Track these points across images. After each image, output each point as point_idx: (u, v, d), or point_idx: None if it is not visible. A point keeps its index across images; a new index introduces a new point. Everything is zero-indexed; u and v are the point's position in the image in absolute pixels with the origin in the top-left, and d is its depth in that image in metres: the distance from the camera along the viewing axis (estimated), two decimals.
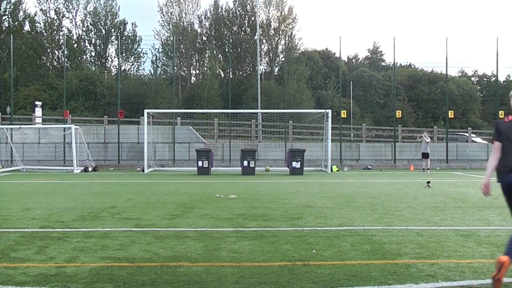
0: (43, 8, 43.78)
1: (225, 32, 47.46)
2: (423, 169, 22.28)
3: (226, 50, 43.59)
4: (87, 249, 5.86)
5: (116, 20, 45.27)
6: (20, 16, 43.12)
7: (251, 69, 47.60)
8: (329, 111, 22.43)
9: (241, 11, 48.91)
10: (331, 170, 21.71)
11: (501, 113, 26.52)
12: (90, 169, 21.93)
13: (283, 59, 43.02)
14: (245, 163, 19.70)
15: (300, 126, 27.47)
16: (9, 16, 42.58)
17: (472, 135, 30.52)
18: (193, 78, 47.99)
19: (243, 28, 48.86)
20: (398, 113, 26.29)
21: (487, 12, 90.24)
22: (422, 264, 5.16)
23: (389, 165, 25.31)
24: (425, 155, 22.31)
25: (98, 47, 45.57)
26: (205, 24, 49.43)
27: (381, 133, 31.96)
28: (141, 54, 45.25)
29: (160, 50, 45.26)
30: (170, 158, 24.57)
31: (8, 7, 42.29)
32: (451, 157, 25.91)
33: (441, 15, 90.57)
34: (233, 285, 4.41)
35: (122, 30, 44.71)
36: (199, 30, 48.75)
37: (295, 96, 40.69)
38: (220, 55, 46.53)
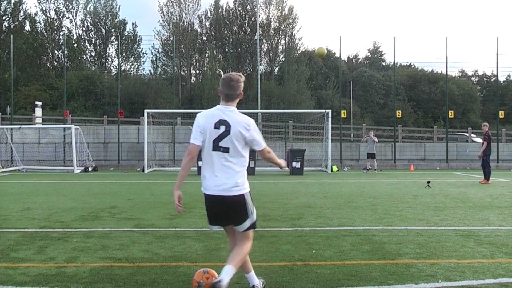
0: (43, 8, 43.83)
1: (225, 32, 47.44)
2: (369, 169, 21.64)
3: (226, 50, 43.58)
4: (87, 249, 5.86)
5: (116, 20, 45.25)
6: (21, 16, 43.14)
7: (251, 69, 47.56)
8: (329, 111, 22.42)
9: (241, 11, 48.89)
10: (331, 170, 21.70)
11: (501, 113, 26.53)
12: (90, 169, 21.92)
13: (283, 59, 43.02)
14: None
15: (300, 126, 27.47)
16: (9, 16, 42.58)
17: (472, 135, 30.53)
18: (193, 78, 48.02)
19: (243, 28, 48.82)
20: (398, 113, 26.29)
21: (487, 12, 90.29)
22: (422, 264, 5.16)
23: (389, 165, 25.31)
24: (372, 155, 21.64)
25: (98, 47, 45.56)
26: (205, 24, 49.47)
27: (381, 133, 31.96)
28: (141, 54, 45.29)
29: (160, 50, 45.29)
30: (170, 158, 24.57)
31: (8, 7, 42.30)
32: (451, 157, 25.91)
33: (441, 15, 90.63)
34: (233, 285, 4.41)
35: (122, 30, 44.70)
36: (199, 30, 48.76)
37: (295, 96, 40.67)
38: (220, 55, 46.50)
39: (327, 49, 57.79)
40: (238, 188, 3.93)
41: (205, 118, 4.02)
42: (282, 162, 4.44)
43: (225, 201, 3.92)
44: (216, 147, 3.92)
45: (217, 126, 3.93)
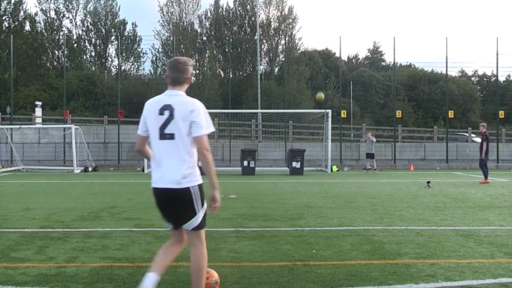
0: (43, 8, 43.80)
1: (225, 32, 47.44)
2: (368, 169, 21.70)
3: (226, 50, 43.56)
4: (87, 249, 5.86)
5: (116, 20, 45.22)
6: (21, 16, 43.12)
7: (251, 69, 47.55)
8: (329, 111, 22.42)
9: (241, 11, 48.88)
10: (331, 170, 21.70)
11: (501, 113, 26.53)
12: (90, 169, 21.92)
13: (283, 59, 43.00)
14: (245, 163, 19.71)
15: (300, 126, 27.48)
16: (9, 16, 42.57)
17: (472, 135, 30.53)
18: (193, 78, 47.97)
19: (243, 28, 48.81)
20: (398, 113, 26.30)
21: (487, 12, 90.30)
22: (422, 264, 5.16)
23: (389, 165, 25.31)
24: (371, 155, 21.72)
25: (98, 47, 45.54)
26: (205, 24, 49.45)
27: (381, 133, 31.96)
28: (141, 54, 45.25)
29: (160, 50, 45.26)
30: None
31: (8, 7, 42.28)
32: (451, 157, 25.91)
33: (441, 15, 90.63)
34: (233, 285, 4.41)
35: (122, 30, 44.66)
36: (199, 30, 48.74)
37: (295, 96, 40.64)
38: (220, 55, 46.49)
39: (327, 49, 58.11)
40: (186, 180, 3.58)
41: (149, 105, 3.81)
42: (216, 196, 3.70)
43: (172, 194, 3.60)
44: (162, 135, 3.66)
45: (161, 112, 3.68)
